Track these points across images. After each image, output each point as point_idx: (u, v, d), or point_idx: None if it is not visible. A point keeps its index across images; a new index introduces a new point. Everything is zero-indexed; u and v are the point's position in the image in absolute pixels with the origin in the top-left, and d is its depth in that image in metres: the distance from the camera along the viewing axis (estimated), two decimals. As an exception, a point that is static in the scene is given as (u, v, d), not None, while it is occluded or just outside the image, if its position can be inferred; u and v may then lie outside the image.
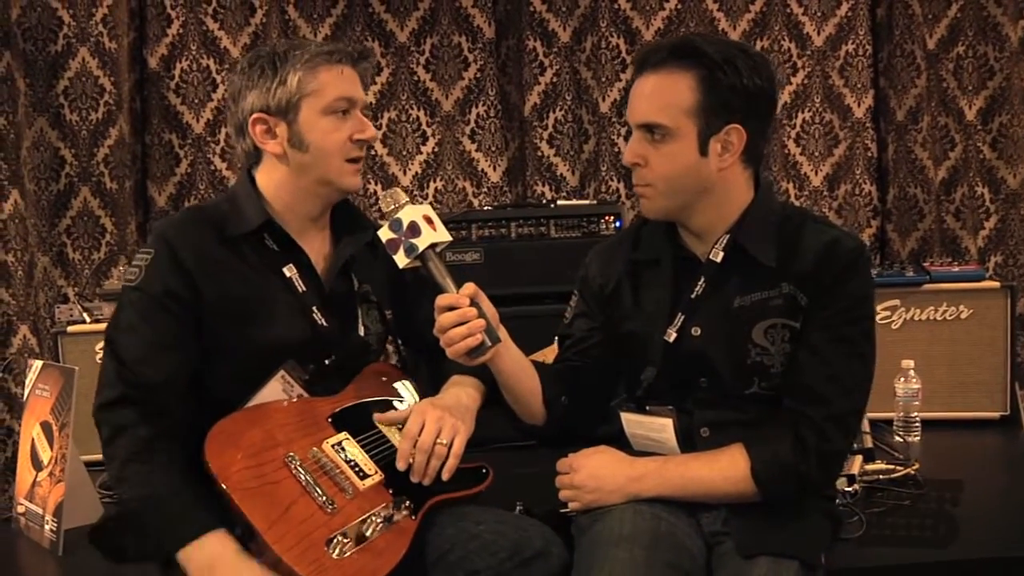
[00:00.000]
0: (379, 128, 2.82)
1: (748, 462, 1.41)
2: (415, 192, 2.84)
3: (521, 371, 1.52)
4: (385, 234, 1.43)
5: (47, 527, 1.85)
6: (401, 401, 1.62)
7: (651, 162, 1.45)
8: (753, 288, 1.46)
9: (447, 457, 1.44)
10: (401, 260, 1.42)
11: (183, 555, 1.36)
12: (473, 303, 1.39)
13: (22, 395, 2.13)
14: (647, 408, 1.51)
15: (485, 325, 1.38)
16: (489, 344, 1.39)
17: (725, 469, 1.42)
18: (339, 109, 1.51)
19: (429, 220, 1.42)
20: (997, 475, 2.12)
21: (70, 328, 2.35)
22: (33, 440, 1.95)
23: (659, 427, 1.49)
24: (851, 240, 1.47)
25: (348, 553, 1.34)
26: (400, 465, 1.45)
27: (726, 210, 1.48)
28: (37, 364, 2.02)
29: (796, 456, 1.40)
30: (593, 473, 1.46)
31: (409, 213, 1.42)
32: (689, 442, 1.49)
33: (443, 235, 1.43)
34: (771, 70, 1.47)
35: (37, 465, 1.93)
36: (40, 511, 1.87)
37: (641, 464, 1.46)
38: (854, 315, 1.44)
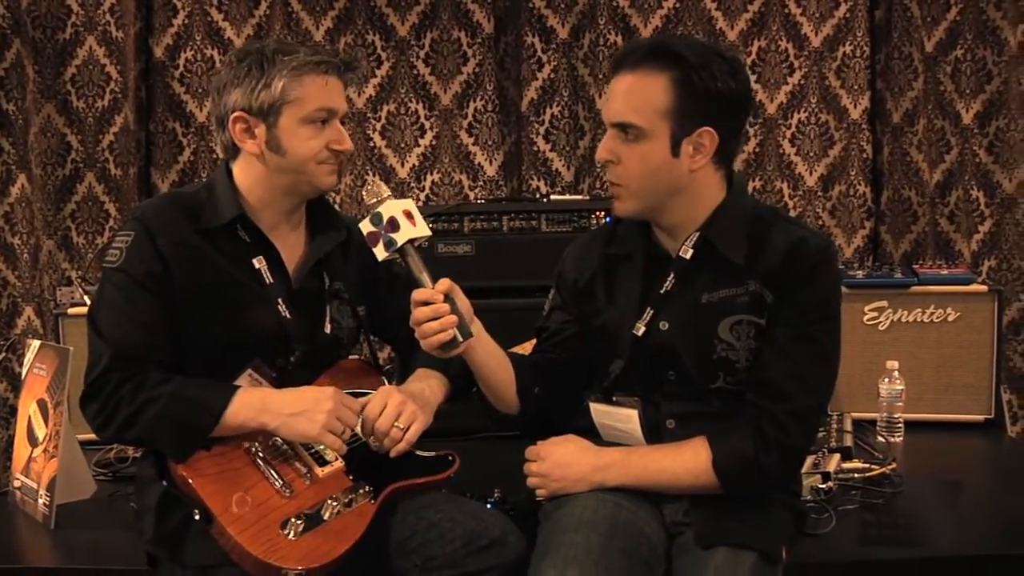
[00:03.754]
0: (378, 120, 2.87)
1: (710, 454, 1.43)
2: (412, 184, 2.88)
3: (495, 363, 1.55)
4: (366, 227, 1.46)
5: (40, 501, 1.90)
6: (370, 393, 1.66)
7: (623, 160, 1.47)
8: (721, 285, 1.48)
9: (400, 440, 1.48)
10: (380, 253, 1.46)
11: (230, 412, 1.43)
12: (448, 298, 1.42)
13: (25, 374, 2.18)
14: (614, 399, 1.54)
15: (457, 321, 1.41)
16: (461, 340, 1.42)
17: (687, 461, 1.45)
18: (319, 119, 1.52)
19: (409, 215, 1.45)
20: (976, 477, 2.13)
21: (70, 310, 2.41)
22: (30, 417, 2.01)
23: (625, 418, 1.52)
24: (818, 240, 1.50)
25: (303, 534, 1.39)
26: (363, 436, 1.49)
27: (697, 209, 1.50)
28: (35, 344, 2.08)
29: (757, 449, 1.42)
30: (559, 461, 1.49)
31: (390, 208, 1.45)
32: (655, 434, 1.52)
33: (422, 230, 1.46)
34: (746, 73, 1.49)
35: (33, 441, 1.99)
36: (35, 486, 1.93)
37: (606, 454, 1.49)
38: (819, 314, 1.46)
